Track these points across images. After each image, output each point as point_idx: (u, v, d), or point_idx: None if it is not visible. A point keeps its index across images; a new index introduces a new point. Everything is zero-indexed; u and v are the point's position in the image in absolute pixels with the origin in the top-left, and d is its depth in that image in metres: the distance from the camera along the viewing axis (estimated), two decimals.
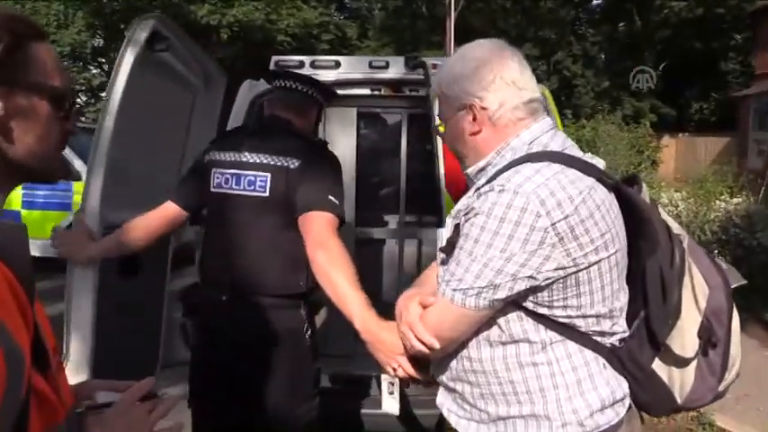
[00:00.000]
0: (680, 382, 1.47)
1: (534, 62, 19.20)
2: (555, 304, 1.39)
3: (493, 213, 1.33)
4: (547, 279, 1.34)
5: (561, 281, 1.35)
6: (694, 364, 1.46)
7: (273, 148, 2.23)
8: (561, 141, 1.47)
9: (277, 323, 2.20)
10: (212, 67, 3.11)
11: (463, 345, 1.48)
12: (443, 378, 1.58)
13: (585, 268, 1.35)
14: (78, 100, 20.10)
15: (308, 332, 2.27)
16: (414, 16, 26.44)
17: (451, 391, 1.57)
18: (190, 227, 2.93)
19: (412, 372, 1.62)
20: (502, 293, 1.35)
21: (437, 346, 1.45)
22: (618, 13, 24.93)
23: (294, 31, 20.41)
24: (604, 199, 1.38)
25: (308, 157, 2.23)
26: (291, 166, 2.20)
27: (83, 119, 17.89)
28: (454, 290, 1.38)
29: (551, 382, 1.42)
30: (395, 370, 1.64)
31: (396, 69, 3.41)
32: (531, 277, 1.33)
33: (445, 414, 1.61)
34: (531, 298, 1.39)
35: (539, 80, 1.66)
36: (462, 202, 1.46)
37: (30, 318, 0.87)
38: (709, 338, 1.46)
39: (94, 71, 19.96)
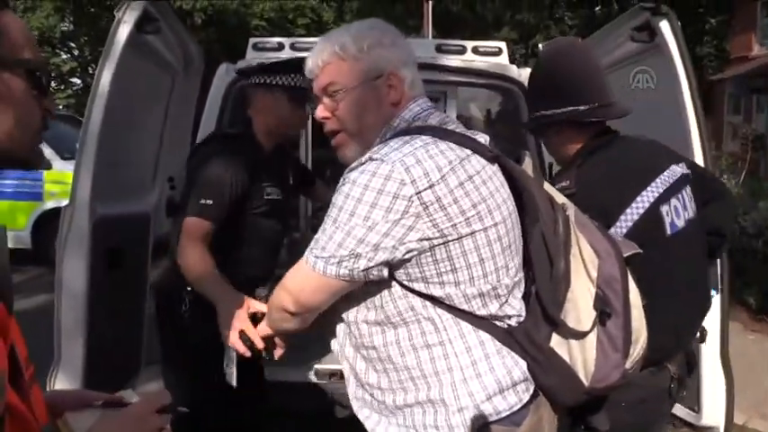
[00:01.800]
0: (582, 359, 1.42)
1: (513, 46, 19.14)
2: (430, 280, 1.33)
3: (357, 181, 1.30)
4: (410, 251, 1.29)
5: (429, 253, 1.30)
6: (594, 339, 1.42)
7: None
8: (440, 118, 1.45)
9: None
10: (194, 51, 2.99)
11: (359, 334, 1.44)
12: (346, 370, 1.53)
13: (455, 240, 1.30)
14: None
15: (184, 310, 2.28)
16: (391, 0, 26.18)
17: (356, 383, 1.51)
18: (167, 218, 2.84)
19: (239, 346, 1.68)
20: (362, 263, 1.30)
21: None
22: None
23: (269, 15, 20.12)
24: (480, 170, 1.33)
25: (210, 146, 2.32)
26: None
27: None
28: (316, 257, 1.35)
29: (445, 364, 1.36)
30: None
31: None
32: (393, 248, 1.29)
33: (355, 409, 1.52)
34: (403, 272, 1.34)
35: (517, 64, 1.61)
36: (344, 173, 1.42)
37: (8, 330, 0.81)
38: (603, 309, 1.42)
39: (64, 56, 19.46)
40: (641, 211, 1.72)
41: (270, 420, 2.61)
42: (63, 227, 2.31)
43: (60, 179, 7.41)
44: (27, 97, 0.88)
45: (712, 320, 2.27)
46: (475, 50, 3.47)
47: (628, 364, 1.46)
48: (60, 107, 17.70)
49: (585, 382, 1.42)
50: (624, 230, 1.69)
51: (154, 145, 2.95)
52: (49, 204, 7.54)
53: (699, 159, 2.25)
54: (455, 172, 1.30)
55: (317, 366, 3.23)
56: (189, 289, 2.22)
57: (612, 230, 1.66)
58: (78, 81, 19.74)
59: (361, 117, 1.46)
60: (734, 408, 2.30)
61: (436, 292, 1.34)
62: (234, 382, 1.94)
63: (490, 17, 24.37)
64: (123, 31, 2.31)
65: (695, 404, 2.33)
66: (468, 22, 24.48)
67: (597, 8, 24.97)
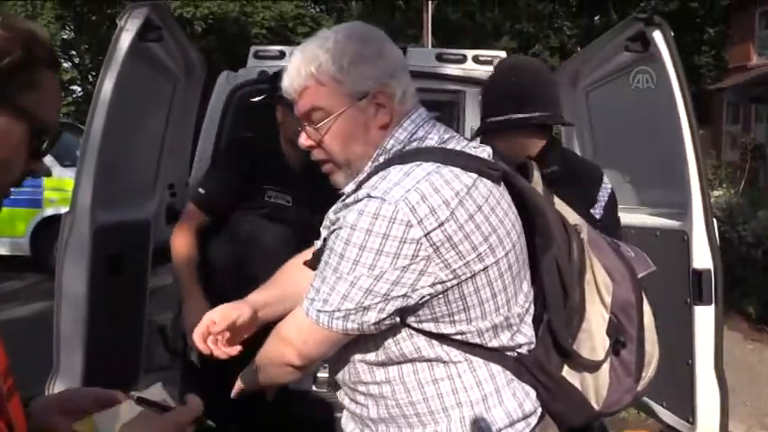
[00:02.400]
0: (594, 386, 1.35)
1: (516, 59, 19.07)
2: (441, 320, 1.23)
3: (359, 225, 1.16)
4: (423, 297, 1.19)
5: (441, 296, 1.20)
6: (607, 366, 1.36)
7: None
8: (439, 136, 1.30)
9: None
10: (195, 59, 3.00)
11: (358, 371, 1.32)
12: (345, 402, 1.42)
13: (469, 278, 1.20)
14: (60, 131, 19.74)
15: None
16: (390, 9, 26.28)
17: (353, 416, 1.41)
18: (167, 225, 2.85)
19: (201, 347, 1.50)
20: (372, 316, 1.19)
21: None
22: (594, 7, 25.07)
23: (270, 24, 20.20)
24: (488, 195, 1.22)
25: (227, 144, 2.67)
26: None
27: None
28: (319, 311, 1.22)
29: (454, 400, 1.27)
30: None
31: None
32: (405, 296, 1.18)
33: None
34: (411, 315, 1.23)
35: None
36: (333, 211, 1.29)
37: None
38: (618, 338, 1.36)
39: (65, 65, 19.52)
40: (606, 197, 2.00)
41: (269, 428, 2.61)
42: (63, 233, 2.31)
43: (60, 186, 7.42)
44: (19, 150, 0.87)
45: (706, 331, 2.28)
46: (475, 59, 3.49)
47: (639, 387, 1.42)
48: (61, 115, 17.78)
49: (596, 407, 1.37)
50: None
51: (154, 152, 2.95)
52: (49, 211, 7.55)
53: (692, 167, 2.27)
54: (463, 205, 1.18)
55: (318, 375, 3.22)
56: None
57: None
58: (79, 89, 19.80)
59: (347, 147, 1.31)
60: (728, 419, 2.30)
61: (446, 330, 1.24)
62: (196, 361, 2.16)
63: (490, 26, 24.50)
64: (125, 39, 2.31)
65: (690, 415, 2.33)
66: (468, 31, 24.58)
67: (596, 18, 25.09)
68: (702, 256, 2.28)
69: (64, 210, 2.38)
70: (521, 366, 1.31)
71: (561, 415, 1.37)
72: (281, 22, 20.95)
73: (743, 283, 6.13)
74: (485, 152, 1.31)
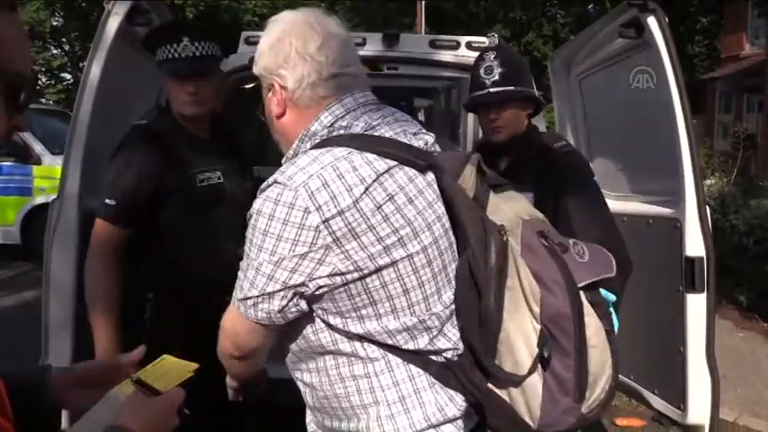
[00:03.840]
0: (524, 402, 1.25)
1: (505, 43, 18.99)
2: (347, 315, 1.19)
3: (263, 210, 1.16)
4: (320, 288, 1.16)
5: (343, 289, 1.16)
6: (538, 382, 1.24)
7: None
8: (369, 119, 1.24)
9: None
10: None
11: (292, 358, 1.33)
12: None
13: (373, 272, 1.15)
14: (38, 81, 19.50)
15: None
16: None
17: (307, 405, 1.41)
18: None
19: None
20: (276, 304, 1.17)
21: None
22: None
23: (262, 11, 20.02)
24: (404, 186, 1.17)
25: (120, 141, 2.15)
26: None
27: (42, 100, 17.36)
28: (237, 299, 1.22)
29: (371, 398, 1.23)
30: None
31: (373, 46, 3.28)
32: (303, 284, 1.15)
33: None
34: (318, 307, 1.20)
35: None
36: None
37: None
38: (544, 352, 1.23)
39: (54, 51, 19.32)
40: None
41: (254, 416, 2.60)
42: (51, 221, 2.28)
43: (50, 174, 7.35)
44: (1, 110, 0.80)
45: (698, 319, 2.28)
46: (468, 46, 3.46)
47: (585, 409, 1.27)
48: (51, 102, 17.58)
49: (532, 424, 1.26)
50: None
51: None
52: (39, 200, 7.48)
53: (686, 155, 2.26)
54: (370, 193, 1.14)
55: None
56: (150, 296, 2.16)
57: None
58: (69, 76, 19.60)
59: (271, 132, 1.36)
60: (719, 406, 2.31)
61: (355, 328, 1.20)
62: None
63: (483, 15, 24.39)
64: (113, 23, 2.28)
65: (681, 403, 2.34)
66: (461, 19, 24.47)
67: (589, 6, 25.04)
68: (695, 244, 2.28)
69: (54, 198, 2.35)
70: (447, 372, 1.25)
71: (499, 430, 1.30)
72: (273, 9, 20.78)
73: (734, 272, 6.15)
74: (421, 140, 1.28)
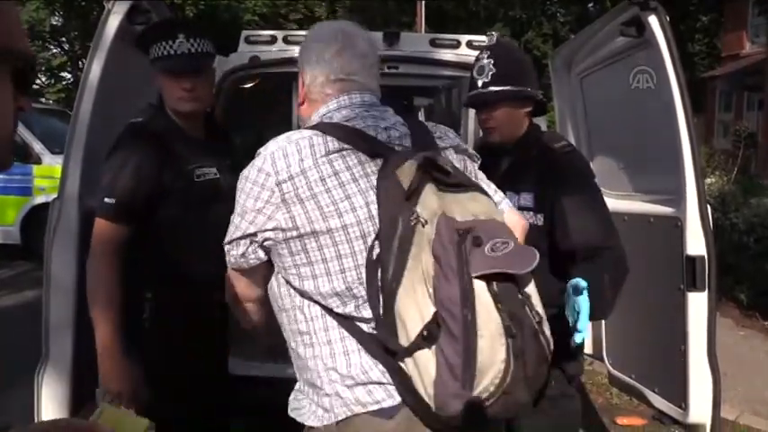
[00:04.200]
0: (419, 379, 1.29)
1: (507, 41, 19.05)
2: (289, 271, 1.41)
3: (244, 173, 1.44)
4: (266, 240, 1.40)
5: (284, 245, 1.38)
6: (430, 360, 1.27)
7: None
8: (349, 113, 1.47)
9: None
10: None
11: (280, 320, 1.53)
12: None
13: (310, 234, 1.36)
14: (38, 80, 19.48)
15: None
16: None
17: None
18: None
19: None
20: (239, 249, 1.45)
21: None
22: None
23: (262, 11, 20.03)
24: (353, 166, 1.38)
25: (115, 140, 2.13)
26: None
27: (42, 100, 17.34)
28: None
29: (312, 352, 1.42)
30: None
31: None
32: (254, 234, 1.41)
33: None
34: (276, 263, 1.45)
35: None
36: None
37: None
38: (429, 331, 1.26)
39: (54, 50, 19.30)
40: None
41: (253, 417, 2.60)
42: (51, 221, 2.28)
43: (50, 174, 7.36)
44: (8, 93, 0.79)
45: (699, 317, 2.28)
46: (469, 44, 3.46)
47: (475, 393, 1.26)
48: (51, 101, 17.57)
49: (430, 404, 1.29)
50: None
51: None
52: (39, 199, 7.49)
53: (687, 154, 2.25)
54: (319, 167, 1.36)
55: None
56: (149, 296, 2.15)
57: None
58: (69, 75, 19.59)
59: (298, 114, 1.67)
60: (721, 405, 2.31)
61: (296, 283, 1.41)
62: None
63: (483, 14, 24.37)
64: (113, 22, 2.27)
65: (682, 401, 2.33)
66: (461, 18, 24.46)
67: (589, 5, 25.03)
68: (696, 243, 2.28)
69: (54, 197, 2.35)
70: (369, 341, 1.37)
71: (414, 406, 1.33)
72: (273, 8, 20.78)
73: (735, 271, 6.15)
74: (386, 134, 1.45)
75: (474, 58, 2.18)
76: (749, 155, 14.03)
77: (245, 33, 3.47)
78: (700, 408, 2.29)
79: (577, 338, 1.74)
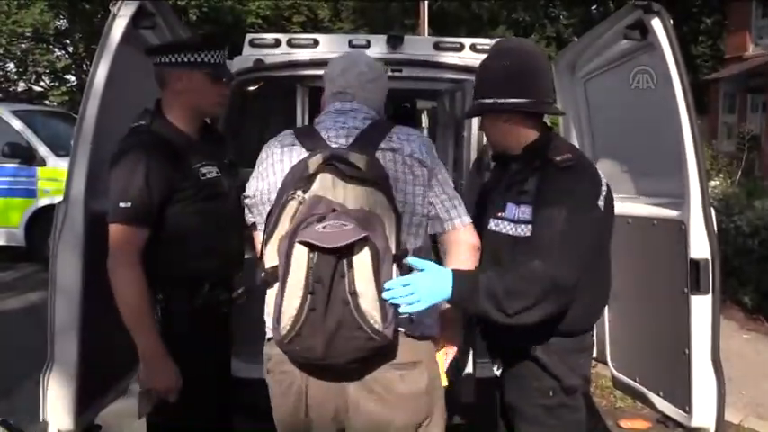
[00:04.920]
0: (270, 315, 1.78)
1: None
2: (259, 228, 1.94)
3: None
4: (246, 197, 2.00)
5: (252, 203, 1.96)
6: (275, 291, 1.70)
7: None
8: (323, 118, 1.94)
9: None
10: None
11: None
12: None
13: (258, 197, 1.91)
14: (42, 83, 19.54)
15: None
16: None
17: None
18: None
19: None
20: (246, 210, 2.06)
21: None
22: None
23: (265, 13, 20.07)
24: (294, 159, 1.81)
25: (118, 145, 2.16)
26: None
27: (46, 102, 17.40)
28: None
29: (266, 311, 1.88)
30: None
31: (377, 48, 3.29)
32: (246, 197, 2.01)
33: None
34: None
35: None
36: None
37: None
38: (272, 274, 1.73)
39: (58, 53, 19.36)
40: (606, 188, 1.99)
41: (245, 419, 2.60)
42: (57, 224, 2.29)
43: (54, 176, 7.38)
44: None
45: (703, 320, 2.27)
46: (473, 48, 3.46)
47: (281, 328, 1.65)
48: (55, 104, 17.62)
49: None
50: (603, 202, 1.94)
51: None
52: (43, 202, 7.51)
53: (690, 156, 2.25)
54: (273, 153, 1.89)
55: None
56: (160, 297, 2.18)
57: (600, 202, 1.93)
58: (73, 78, 19.64)
59: None
60: (725, 409, 2.30)
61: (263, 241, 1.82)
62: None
63: (486, 16, 24.36)
64: (118, 26, 2.28)
65: (686, 405, 2.33)
66: (464, 20, 24.46)
67: (593, 7, 25.02)
68: (700, 246, 2.27)
69: (58, 200, 2.36)
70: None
71: None
72: (276, 10, 20.82)
73: (739, 273, 6.13)
74: (334, 134, 1.86)
75: (488, 59, 2.13)
76: (753, 157, 13.99)
77: (249, 36, 3.47)
78: (704, 411, 2.29)
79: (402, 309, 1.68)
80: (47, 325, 2.27)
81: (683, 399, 2.35)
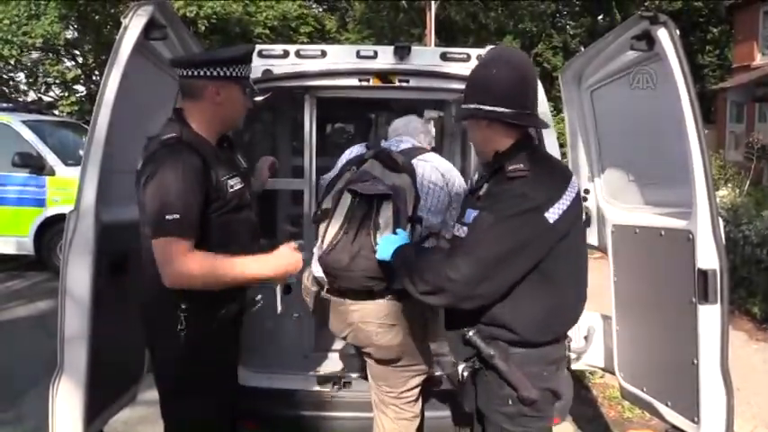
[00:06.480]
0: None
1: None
2: None
3: None
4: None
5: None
6: (323, 226, 2.57)
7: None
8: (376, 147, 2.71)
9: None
10: None
11: None
12: None
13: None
14: (52, 93, 19.69)
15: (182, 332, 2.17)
16: (394, 9, 26.26)
17: None
18: None
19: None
20: None
21: None
22: (598, 6, 25.02)
23: (273, 24, 20.19)
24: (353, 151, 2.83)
25: (150, 158, 2.11)
26: (138, 169, 2.15)
27: (56, 112, 17.52)
28: None
29: None
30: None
31: (384, 59, 3.31)
32: None
33: None
34: None
35: None
36: None
37: None
38: (324, 212, 2.57)
39: (68, 63, 19.51)
40: (569, 201, 1.95)
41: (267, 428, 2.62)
42: (68, 233, 2.30)
43: (63, 185, 7.43)
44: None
45: (711, 331, 2.27)
46: (479, 58, 3.47)
47: (325, 245, 2.48)
48: (64, 114, 17.75)
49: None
50: (558, 215, 1.90)
51: None
52: (52, 211, 7.55)
53: (698, 166, 2.25)
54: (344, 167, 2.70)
55: (318, 374, 3.25)
56: (183, 306, 2.15)
57: (549, 213, 1.90)
58: (82, 88, 19.79)
59: None
60: (734, 419, 2.29)
61: None
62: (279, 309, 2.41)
63: (493, 26, 24.44)
64: (130, 38, 2.31)
65: (695, 415, 2.32)
66: (471, 30, 24.54)
67: (599, 17, 25.07)
68: (708, 256, 2.27)
69: (67, 209, 2.37)
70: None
71: None
72: (283, 21, 20.94)
73: (747, 284, 6.11)
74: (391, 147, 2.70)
75: (478, 66, 2.17)
76: (761, 167, 13.94)
77: (258, 47, 3.49)
78: (712, 422, 2.28)
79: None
80: (56, 333, 2.28)
81: (691, 409, 2.34)
